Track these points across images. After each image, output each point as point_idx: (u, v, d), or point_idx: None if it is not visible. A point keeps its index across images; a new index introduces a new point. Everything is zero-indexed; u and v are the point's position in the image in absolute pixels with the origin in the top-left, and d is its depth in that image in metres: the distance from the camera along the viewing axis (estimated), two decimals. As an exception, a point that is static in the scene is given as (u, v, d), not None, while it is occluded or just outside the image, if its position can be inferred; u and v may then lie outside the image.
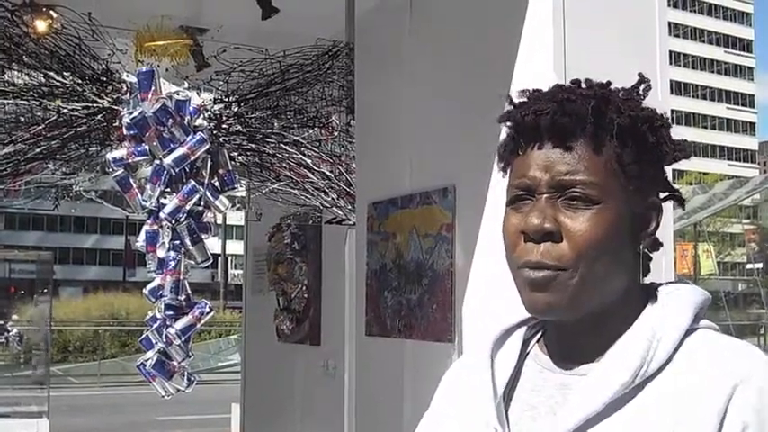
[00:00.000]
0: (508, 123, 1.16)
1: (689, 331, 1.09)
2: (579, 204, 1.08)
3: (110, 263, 54.88)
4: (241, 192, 4.76)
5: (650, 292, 1.16)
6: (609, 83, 1.16)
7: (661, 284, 1.17)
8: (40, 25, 3.22)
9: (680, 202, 1.22)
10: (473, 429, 1.15)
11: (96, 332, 22.20)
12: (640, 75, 1.18)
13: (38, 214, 48.33)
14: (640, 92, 1.16)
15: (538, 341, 1.22)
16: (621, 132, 1.10)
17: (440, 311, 2.92)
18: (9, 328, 5.85)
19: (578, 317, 1.10)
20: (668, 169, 2.65)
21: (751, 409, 1.00)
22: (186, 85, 3.12)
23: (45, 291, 6.60)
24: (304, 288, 5.20)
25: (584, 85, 1.15)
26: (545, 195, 1.10)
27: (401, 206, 3.16)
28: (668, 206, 2.56)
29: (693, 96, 73.42)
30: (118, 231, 50.83)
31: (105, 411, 13.57)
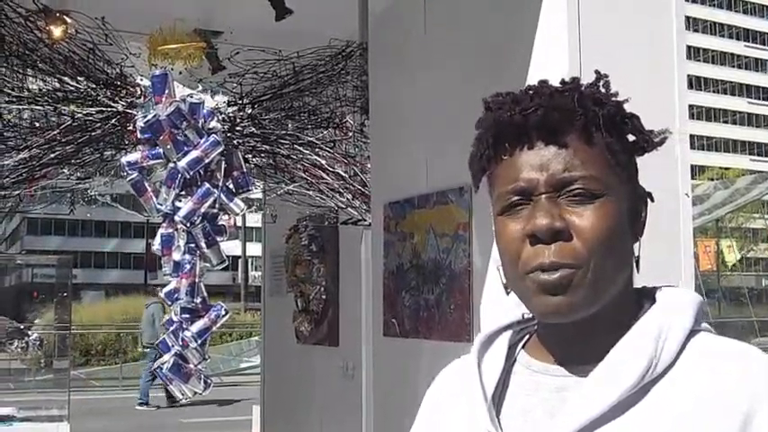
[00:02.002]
0: (486, 129, 1.12)
1: (691, 332, 1.06)
2: (582, 200, 1.05)
3: (131, 266, 55.17)
4: (257, 194, 4.76)
5: (644, 294, 1.13)
6: (577, 78, 1.13)
7: (653, 288, 1.14)
8: (55, 31, 3.23)
9: (649, 195, 1.17)
10: None
11: (118, 335, 22.31)
12: (597, 71, 1.14)
13: (59, 219, 48.75)
14: (601, 86, 1.13)
15: (524, 346, 1.18)
16: (607, 123, 1.08)
17: (457, 311, 2.90)
18: (29, 333, 5.89)
19: (584, 316, 1.07)
20: (687, 164, 2.61)
21: None
22: (200, 87, 3.11)
23: (65, 294, 6.63)
24: (322, 289, 5.19)
25: (555, 83, 1.12)
26: (544, 195, 1.06)
27: (417, 206, 3.14)
28: (687, 203, 2.55)
29: (714, 91, 72.82)
30: (138, 235, 51.08)
31: (127, 414, 13.63)
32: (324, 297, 5.19)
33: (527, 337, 1.19)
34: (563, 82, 1.12)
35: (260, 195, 5.14)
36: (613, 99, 1.11)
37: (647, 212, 1.15)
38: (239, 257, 35.87)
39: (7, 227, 55.32)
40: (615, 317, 1.08)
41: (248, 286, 35.41)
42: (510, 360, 1.16)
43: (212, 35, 4.08)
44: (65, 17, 3.17)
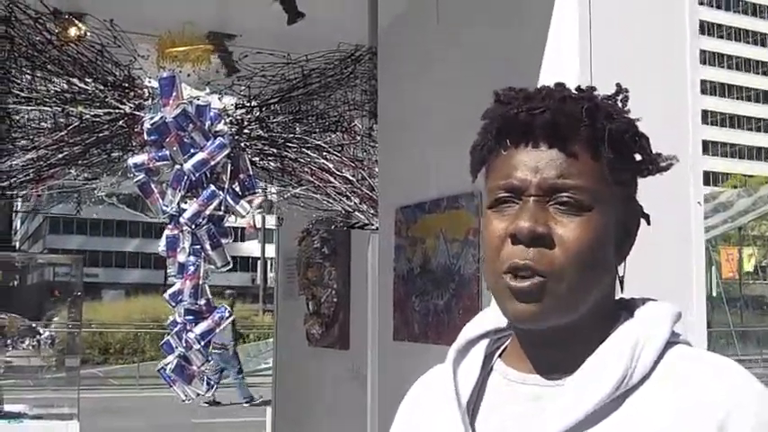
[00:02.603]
0: (491, 120, 1.11)
1: (668, 344, 1.05)
2: (569, 210, 1.04)
3: (151, 266, 55.41)
4: (272, 195, 4.77)
5: (622, 306, 1.12)
6: (593, 88, 1.12)
7: (631, 299, 1.13)
8: (66, 33, 3.24)
9: (646, 218, 1.16)
10: None
11: (136, 335, 22.47)
12: (618, 85, 1.13)
13: (81, 218, 49.08)
14: (618, 101, 1.12)
15: (500, 355, 1.16)
16: (613, 139, 1.06)
17: (466, 316, 2.84)
18: (41, 331, 5.92)
19: (560, 326, 1.06)
20: (699, 172, 2.58)
21: None
22: (207, 90, 3.11)
23: (78, 294, 6.71)
24: (333, 292, 5.18)
25: (572, 89, 1.11)
26: (533, 198, 1.04)
27: (428, 210, 3.13)
28: (699, 211, 2.52)
29: (738, 98, 72.23)
30: (160, 235, 51.10)
31: (142, 413, 13.69)
32: (335, 300, 5.18)
33: (504, 345, 1.18)
34: (579, 89, 1.11)
35: (274, 197, 5.15)
36: (626, 116, 1.09)
37: (638, 234, 1.14)
38: (258, 259, 35.91)
39: (29, 226, 55.88)
40: (592, 327, 1.07)
41: (267, 288, 35.44)
42: (486, 369, 1.15)
43: (227, 38, 4.08)
44: (74, 20, 3.18)
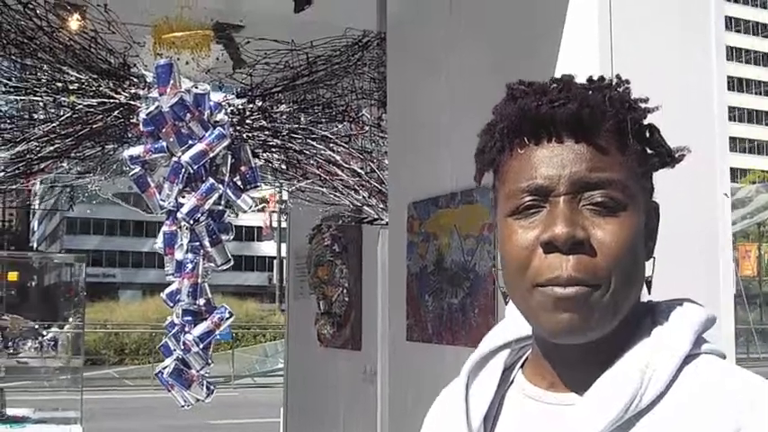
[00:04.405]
0: (504, 117, 1.00)
1: (688, 357, 0.96)
2: (603, 211, 0.95)
3: (168, 266, 55.62)
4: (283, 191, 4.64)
5: (647, 310, 1.02)
6: (603, 78, 1.02)
7: (656, 304, 1.03)
8: (57, 19, 3.11)
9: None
10: None
11: (152, 335, 22.55)
12: (618, 76, 1.04)
13: (98, 218, 49.34)
14: (621, 92, 1.02)
15: (521, 366, 1.08)
16: (635, 129, 0.99)
17: (482, 316, 2.80)
18: (44, 333, 5.83)
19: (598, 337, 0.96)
20: (726, 164, 2.47)
21: None
22: (207, 78, 2.98)
23: (82, 293, 6.68)
24: (345, 291, 5.11)
25: (581, 79, 1.02)
26: (563, 197, 0.94)
27: (442, 206, 3.03)
28: (726, 203, 2.41)
29: (757, 93, 71.79)
30: (176, 235, 51.37)
31: (155, 414, 13.63)
32: (346, 299, 5.10)
33: (526, 355, 1.09)
34: (590, 80, 1.03)
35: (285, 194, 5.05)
36: (642, 105, 1.02)
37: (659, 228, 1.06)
38: (274, 258, 36.11)
39: (47, 226, 56.28)
40: (616, 337, 0.98)
41: (283, 287, 35.60)
42: (507, 382, 1.07)
43: (233, 30, 3.95)
44: (66, 5, 3.05)
